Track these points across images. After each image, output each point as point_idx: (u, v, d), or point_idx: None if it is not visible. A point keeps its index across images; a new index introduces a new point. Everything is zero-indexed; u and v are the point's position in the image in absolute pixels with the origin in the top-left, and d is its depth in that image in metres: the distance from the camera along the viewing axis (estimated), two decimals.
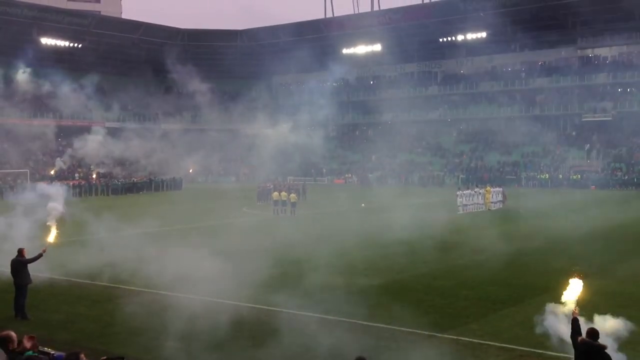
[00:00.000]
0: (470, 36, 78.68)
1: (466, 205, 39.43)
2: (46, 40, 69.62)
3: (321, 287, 16.72)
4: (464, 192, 40.71)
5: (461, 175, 68.49)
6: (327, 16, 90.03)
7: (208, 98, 70.59)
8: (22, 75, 47.64)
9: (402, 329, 13.30)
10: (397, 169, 73.49)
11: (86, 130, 44.93)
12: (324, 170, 76.55)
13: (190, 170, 68.12)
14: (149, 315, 14.66)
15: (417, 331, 13.12)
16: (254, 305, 15.62)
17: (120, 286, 17.89)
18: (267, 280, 17.69)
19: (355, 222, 31.87)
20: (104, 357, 7.89)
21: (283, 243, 24.81)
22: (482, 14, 74.56)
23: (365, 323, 13.84)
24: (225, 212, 37.73)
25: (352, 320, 13.97)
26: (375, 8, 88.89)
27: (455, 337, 12.84)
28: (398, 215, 30.15)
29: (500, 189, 43.85)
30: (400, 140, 79.36)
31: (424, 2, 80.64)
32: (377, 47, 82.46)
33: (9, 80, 47.94)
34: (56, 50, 71.67)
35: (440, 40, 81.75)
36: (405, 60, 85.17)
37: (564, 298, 9.28)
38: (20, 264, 15.00)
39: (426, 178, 69.74)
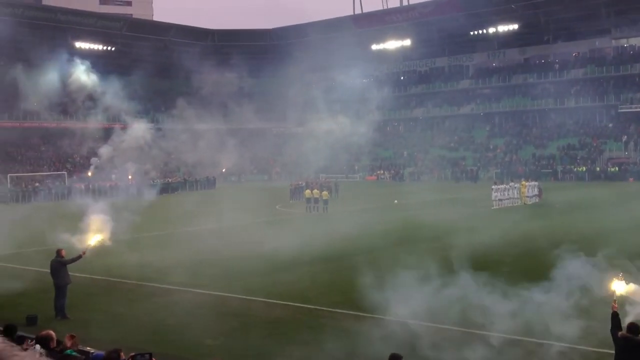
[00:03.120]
0: (502, 28, 77.64)
1: (501, 200, 38.90)
2: (80, 44, 70.73)
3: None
4: (499, 186, 40.18)
5: (495, 170, 67.67)
6: (356, 12, 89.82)
7: (239, 97, 71.02)
8: (56, 79, 48.45)
9: None
10: (429, 165, 72.94)
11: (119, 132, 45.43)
12: (356, 167, 76.38)
13: (223, 170, 68.59)
14: (186, 313, 14.79)
15: None
16: (292, 304, 15.61)
17: (158, 285, 18.07)
18: (305, 281, 17.68)
19: (390, 218, 31.72)
20: (132, 354, 7.98)
21: (321, 240, 24.78)
22: (513, 6, 73.54)
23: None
24: (260, 211, 37.89)
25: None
26: (405, 3, 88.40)
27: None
28: (433, 211, 29.93)
29: (536, 183, 43.16)
30: (432, 136, 78.83)
31: None
32: (407, 42, 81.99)
33: (43, 84, 48.76)
34: (90, 53, 72.78)
35: (471, 33, 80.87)
36: (436, 55, 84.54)
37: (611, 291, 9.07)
38: (59, 264, 15.25)
39: (459, 173, 69.07)
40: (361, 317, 13.92)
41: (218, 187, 62.25)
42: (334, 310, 14.52)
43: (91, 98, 48.49)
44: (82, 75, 47.93)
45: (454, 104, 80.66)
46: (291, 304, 15.44)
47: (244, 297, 16.30)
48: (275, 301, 15.70)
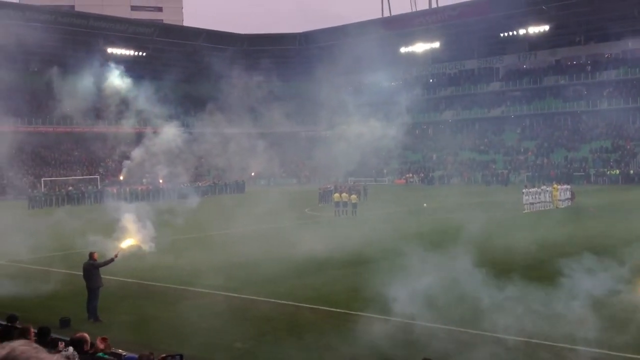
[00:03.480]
0: (533, 30, 76.72)
1: (533, 203, 38.43)
2: (112, 50, 71.80)
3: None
4: (530, 190, 39.69)
5: (527, 173, 66.88)
6: (385, 15, 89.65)
7: (268, 101, 71.38)
8: (89, 84, 49.24)
9: None
10: (459, 168, 72.39)
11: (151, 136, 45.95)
12: (385, 171, 76.15)
13: (253, 174, 68.95)
14: (216, 316, 14.89)
15: None
16: (325, 308, 15.61)
17: (189, 288, 18.22)
18: (335, 285, 17.66)
19: (419, 222, 31.54)
20: (163, 355, 8.06)
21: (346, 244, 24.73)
22: (544, 7, 72.67)
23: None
24: (289, 214, 37.95)
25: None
26: (433, 5, 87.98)
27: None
28: (463, 215, 29.67)
29: (568, 187, 42.56)
30: (461, 139, 78.25)
31: None
32: (436, 45, 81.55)
33: (76, 89, 49.61)
34: (121, 58, 73.86)
35: (501, 35, 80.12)
36: (465, 57, 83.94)
37: None
38: (91, 267, 15.47)
39: (490, 176, 68.41)
40: (390, 322, 13.86)
41: (247, 191, 62.60)
42: (362, 314, 14.48)
43: (124, 102, 49.22)
44: (117, 79, 48.69)
45: (484, 106, 79.95)
46: (320, 307, 15.44)
47: (274, 300, 16.36)
48: (304, 305, 15.73)
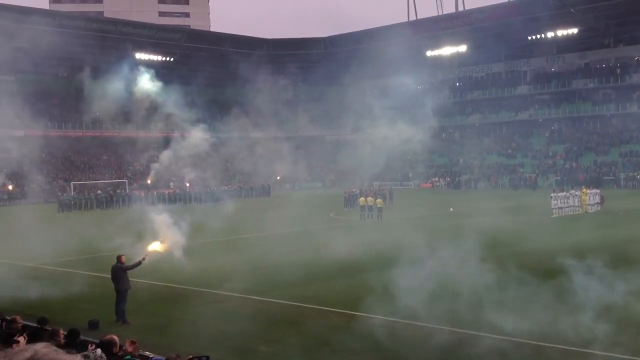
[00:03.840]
0: (561, 33, 75.87)
1: (561, 208, 37.95)
2: (140, 55, 72.65)
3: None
4: (559, 194, 39.21)
5: (555, 177, 66.08)
6: (411, 19, 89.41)
7: (294, 105, 71.57)
8: (118, 89, 49.85)
9: None
10: (486, 172, 71.80)
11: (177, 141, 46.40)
12: (411, 175, 75.85)
13: (278, 178, 69.16)
14: (242, 319, 14.96)
15: None
16: (351, 312, 15.59)
17: (216, 291, 18.34)
18: (360, 289, 17.61)
19: (445, 226, 31.32)
20: (190, 357, 8.12)
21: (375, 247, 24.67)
22: (572, 10, 71.84)
23: None
24: (314, 218, 38.01)
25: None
26: (460, 8, 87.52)
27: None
28: (490, 220, 29.40)
29: (597, 191, 41.97)
30: (488, 142, 77.65)
31: (510, 0, 78.57)
32: (463, 48, 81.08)
33: (105, 94, 50.28)
34: (149, 64, 74.67)
35: (529, 38, 79.34)
36: (492, 60, 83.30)
37: None
38: (119, 270, 15.66)
39: (517, 180, 67.73)
40: (417, 327, 13.80)
41: (273, 195, 62.80)
42: (388, 318, 14.43)
43: (152, 107, 49.81)
44: (146, 83, 49.30)
45: (511, 110, 79.27)
46: (346, 311, 15.43)
47: (299, 304, 16.39)
48: (330, 309, 15.73)
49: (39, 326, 10.29)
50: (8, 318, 9.92)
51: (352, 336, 13.50)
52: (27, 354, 1.23)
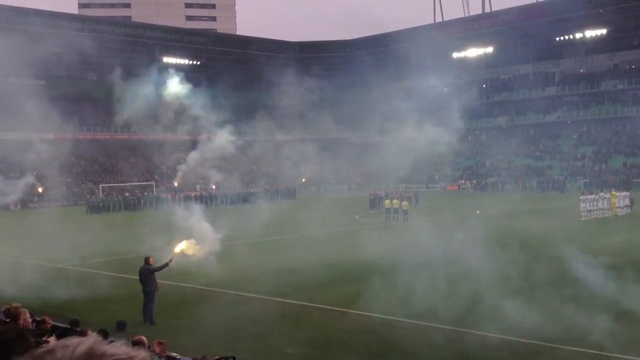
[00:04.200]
0: (589, 33, 74.81)
1: (590, 210, 37.41)
2: (167, 59, 73.38)
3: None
4: (588, 197, 38.65)
5: (584, 180, 65.16)
6: (437, 20, 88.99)
7: (319, 108, 71.59)
8: (146, 92, 50.40)
9: None
10: (513, 174, 71.08)
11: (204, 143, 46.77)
12: (437, 177, 75.40)
13: (303, 180, 69.28)
14: (270, 321, 15.00)
15: None
16: (378, 316, 15.54)
17: (242, 293, 18.41)
18: (386, 292, 17.53)
19: (472, 229, 31.01)
20: (216, 357, 8.16)
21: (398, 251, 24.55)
22: (601, 10, 70.84)
23: None
24: (339, 220, 37.98)
25: None
26: (487, 9, 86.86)
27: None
28: (517, 222, 29.10)
29: (627, 193, 41.27)
30: (516, 144, 76.90)
31: (538, 1, 77.71)
32: (489, 49, 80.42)
33: (133, 98, 50.86)
34: (176, 67, 75.29)
35: (557, 39, 78.39)
36: (520, 62, 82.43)
37: None
38: (147, 272, 15.81)
39: (545, 183, 66.93)
40: (444, 330, 13.71)
41: (298, 197, 62.90)
42: (414, 322, 14.36)
43: (180, 110, 50.29)
44: (175, 86, 49.79)
45: (539, 111, 78.34)
46: (371, 314, 15.38)
47: (325, 306, 16.39)
48: (355, 311, 15.69)
49: (69, 327, 10.44)
50: (38, 319, 10.06)
51: (378, 339, 13.46)
52: (83, 348, 1.22)
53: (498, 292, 15.86)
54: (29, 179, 51.37)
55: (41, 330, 9.36)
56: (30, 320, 8.63)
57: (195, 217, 18.16)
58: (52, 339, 7.92)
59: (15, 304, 8.24)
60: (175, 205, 43.00)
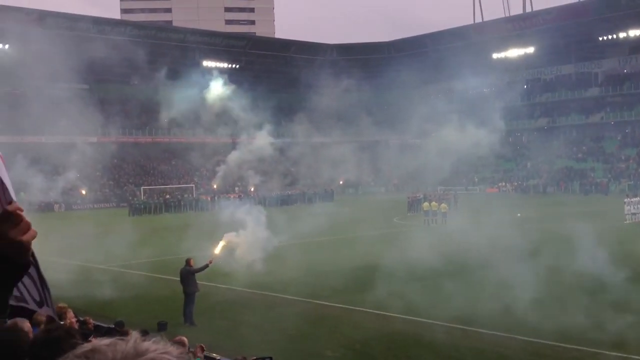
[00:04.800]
0: (634, 33, 73.09)
1: (635, 214, 36.53)
2: (207, 63, 74.27)
3: None
4: (632, 199, 37.75)
5: (628, 182, 63.65)
6: (477, 21, 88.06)
7: (357, 110, 71.57)
8: (187, 96, 51.17)
9: None
10: (555, 177, 69.85)
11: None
12: (476, 179, 74.56)
13: (341, 182, 69.29)
14: (308, 323, 15.06)
15: None
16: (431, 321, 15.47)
17: (280, 295, 18.51)
18: (425, 296, 17.44)
19: (513, 232, 30.58)
20: (254, 358, 8.24)
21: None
22: None
23: None
24: (377, 223, 37.86)
25: None
26: (528, 9, 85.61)
27: None
28: (560, 225, 28.58)
29: None
30: (557, 146, 75.60)
31: (580, 0, 76.26)
32: (530, 50, 79.26)
33: (174, 101, 51.70)
34: (216, 71, 76.13)
35: (600, 39, 76.80)
36: (562, 62, 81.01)
37: None
38: (188, 273, 16.03)
39: (588, 185, 65.60)
40: (484, 335, 13.57)
41: (336, 199, 62.90)
42: (454, 325, 14.24)
43: (219, 113, 50.92)
44: (218, 90, 50.44)
45: (581, 112, 76.85)
46: (411, 318, 15.31)
47: (364, 309, 16.36)
48: (393, 314, 15.63)
49: (112, 327, 10.66)
50: (81, 319, 10.30)
51: (417, 343, 13.39)
52: (128, 345, 1.28)
53: (537, 297, 15.63)
54: (72, 180, 52.67)
55: (84, 331, 9.58)
56: (74, 320, 8.84)
57: (231, 220, 18.35)
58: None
59: (61, 304, 8.45)
60: (214, 207, 43.49)
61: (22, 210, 1.67)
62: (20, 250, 1.65)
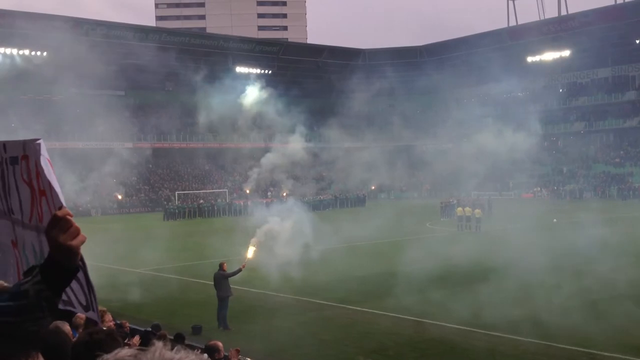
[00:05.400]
0: None
1: None
2: (240, 69, 74.88)
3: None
4: None
5: None
6: (511, 24, 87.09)
7: (389, 115, 71.39)
8: (220, 102, 51.63)
9: None
10: (592, 182, 68.63)
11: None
12: (511, 184, 73.62)
13: (373, 187, 69.12)
14: (340, 328, 15.05)
15: None
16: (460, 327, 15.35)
17: (312, 300, 18.54)
18: (457, 301, 17.29)
19: (549, 238, 30.18)
20: None
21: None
22: None
23: None
24: (410, 228, 37.66)
25: None
26: (563, 12, 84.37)
27: None
28: (597, 231, 28.01)
29: None
30: (594, 151, 74.36)
31: (617, 2, 74.91)
32: (566, 53, 78.11)
33: (208, 107, 52.23)
34: (249, 77, 76.68)
35: (637, 41, 75.34)
36: (598, 65, 79.62)
37: None
38: (221, 277, 16.16)
39: (626, 191, 64.28)
40: (521, 342, 13.40)
41: (367, 204, 62.74)
42: (489, 332, 14.09)
43: (253, 118, 51.32)
44: (253, 96, 50.84)
45: (619, 116, 75.40)
46: (445, 324, 15.18)
47: (396, 315, 16.29)
48: (426, 320, 15.53)
49: (148, 330, 10.81)
50: (118, 322, 10.46)
51: (450, 349, 13.28)
52: (156, 354, 1.32)
53: (574, 304, 15.38)
54: (109, 185, 53.56)
55: (120, 334, 9.72)
56: (112, 323, 8.98)
57: (268, 224, 18.44)
58: (136, 339, 8.24)
59: (99, 307, 8.59)
60: (247, 212, 43.74)
61: (71, 216, 1.72)
62: (70, 255, 1.70)
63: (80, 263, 1.79)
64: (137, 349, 1.32)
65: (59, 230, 1.69)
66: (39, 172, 1.99)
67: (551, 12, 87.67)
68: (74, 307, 2.06)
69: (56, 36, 49.51)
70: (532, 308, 15.98)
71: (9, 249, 2.38)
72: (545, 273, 20.31)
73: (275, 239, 20.27)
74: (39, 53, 58.58)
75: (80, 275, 1.86)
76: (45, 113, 51.48)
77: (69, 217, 1.72)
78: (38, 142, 2.06)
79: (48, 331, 3.33)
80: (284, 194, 61.78)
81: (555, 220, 40.41)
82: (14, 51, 58.42)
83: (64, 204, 1.86)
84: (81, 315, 7.41)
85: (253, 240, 17.21)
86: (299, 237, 24.37)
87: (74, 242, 1.71)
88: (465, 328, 14.62)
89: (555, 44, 77.47)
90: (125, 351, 1.34)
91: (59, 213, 1.72)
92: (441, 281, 20.13)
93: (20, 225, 2.20)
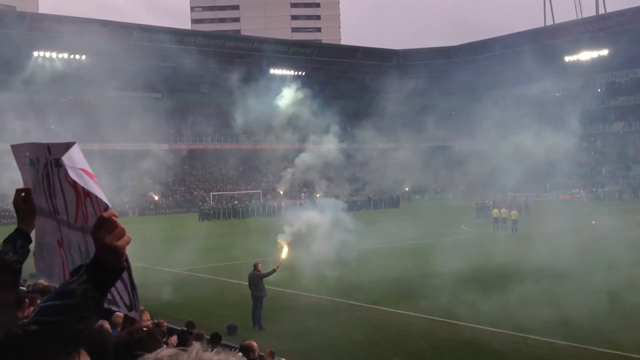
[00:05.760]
0: None
1: None
2: (274, 71, 75.22)
3: None
4: None
5: None
6: (547, 24, 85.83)
7: (423, 115, 70.92)
8: (256, 104, 51.92)
9: None
10: (632, 183, 67.17)
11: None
12: (548, 185, 72.48)
13: (407, 189, 68.73)
14: (374, 330, 15.01)
15: None
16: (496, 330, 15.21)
17: (347, 301, 18.54)
18: (493, 304, 17.10)
19: (587, 240, 29.64)
20: None
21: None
22: None
23: None
24: (445, 229, 37.33)
25: None
26: (601, 11, 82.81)
27: None
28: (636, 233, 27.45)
29: None
30: (634, 151, 72.80)
31: None
32: (604, 52, 76.61)
33: (243, 109, 52.57)
34: (283, 78, 77.01)
35: None
36: (637, 64, 77.93)
37: None
38: (256, 277, 16.27)
39: None
40: (558, 346, 13.20)
41: (402, 206, 62.44)
42: (524, 335, 13.90)
43: (287, 119, 51.52)
44: (289, 97, 51.05)
45: None
46: (480, 327, 15.03)
47: (430, 317, 16.18)
48: (462, 323, 15.40)
49: (185, 329, 10.94)
50: (155, 321, 10.60)
51: (486, 352, 13.14)
52: (192, 355, 1.34)
53: (613, 307, 15.09)
54: (146, 186, 54.33)
55: (159, 333, 9.85)
56: (150, 322, 9.12)
57: (298, 225, 18.49)
58: (174, 339, 8.35)
59: None
60: (281, 213, 43.93)
61: (117, 217, 1.76)
62: (115, 256, 1.74)
63: (125, 263, 1.83)
64: (177, 349, 1.34)
65: (105, 231, 1.73)
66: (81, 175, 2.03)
67: (589, 11, 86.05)
68: (118, 307, 2.11)
69: (94, 40, 50.46)
70: (567, 310, 15.72)
71: (55, 249, 2.44)
72: (581, 275, 19.98)
73: (309, 238, 20.33)
74: (77, 56, 59.69)
75: (124, 275, 1.91)
76: (84, 115, 52.45)
77: (114, 218, 1.76)
78: (72, 146, 2.07)
79: (92, 330, 3.41)
80: (318, 195, 61.86)
81: (593, 222, 39.65)
82: (54, 55, 59.62)
83: (109, 205, 1.91)
84: (120, 314, 7.55)
85: (281, 239, 17.30)
86: (333, 237, 24.44)
87: (120, 243, 1.75)
88: (500, 330, 14.46)
89: (593, 43, 76.08)
90: (165, 351, 1.37)
91: (105, 214, 1.76)
92: (477, 282, 19.93)
93: (66, 226, 2.26)
